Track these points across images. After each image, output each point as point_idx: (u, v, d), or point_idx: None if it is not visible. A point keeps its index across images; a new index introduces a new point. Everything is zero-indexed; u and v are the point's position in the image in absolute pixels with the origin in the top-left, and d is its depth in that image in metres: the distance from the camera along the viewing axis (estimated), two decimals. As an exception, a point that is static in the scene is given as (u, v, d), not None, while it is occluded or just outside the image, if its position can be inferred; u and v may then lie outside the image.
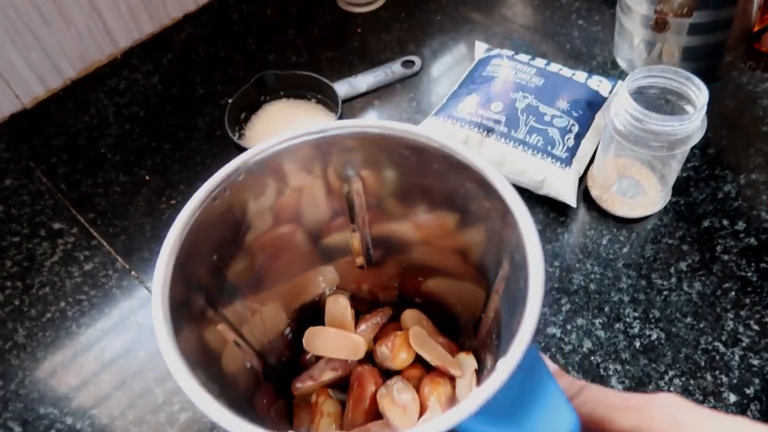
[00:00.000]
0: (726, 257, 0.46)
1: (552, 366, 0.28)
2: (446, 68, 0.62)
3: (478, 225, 0.30)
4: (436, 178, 0.30)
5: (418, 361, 0.35)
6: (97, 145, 0.58)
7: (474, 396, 0.21)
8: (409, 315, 0.37)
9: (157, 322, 0.24)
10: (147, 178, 0.56)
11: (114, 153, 0.58)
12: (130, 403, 0.43)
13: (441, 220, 0.33)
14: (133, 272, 0.50)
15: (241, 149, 0.53)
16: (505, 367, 0.21)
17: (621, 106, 0.43)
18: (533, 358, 0.23)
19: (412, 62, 0.60)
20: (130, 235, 0.52)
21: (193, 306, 0.28)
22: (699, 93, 0.42)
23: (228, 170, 0.28)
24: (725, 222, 0.48)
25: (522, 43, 0.63)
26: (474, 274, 0.33)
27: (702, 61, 0.53)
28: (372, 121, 0.29)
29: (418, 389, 0.34)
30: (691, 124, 0.41)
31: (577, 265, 0.46)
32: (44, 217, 0.54)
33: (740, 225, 0.47)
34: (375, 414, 0.34)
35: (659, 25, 0.50)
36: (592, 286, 0.45)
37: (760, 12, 0.54)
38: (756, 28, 0.56)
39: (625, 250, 0.47)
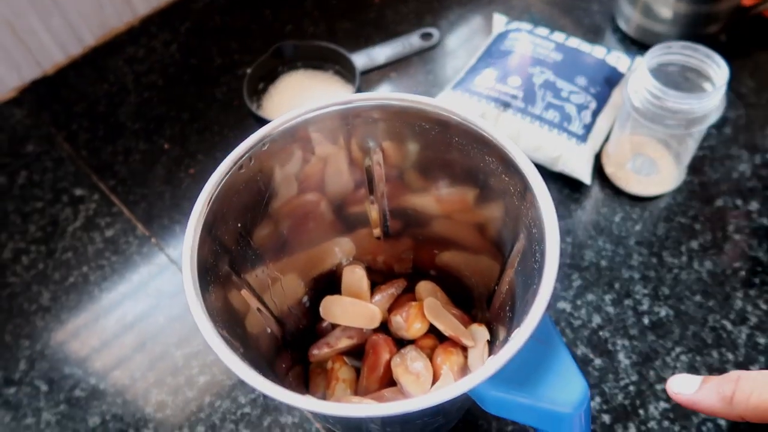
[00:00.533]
0: (738, 237, 0.46)
1: (695, 378, 0.26)
2: (464, 41, 0.62)
3: (497, 200, 0.31)
4: (456, 153, 0.30)
5: (432, 331, 0.36)
6: (116, 113, 0.59)
7: (489, 362, 0.22)
8: (424, 286, 0.38)
9: (186, 280, 0.25)
10: (166, 146, 0.56)
11: (133, 121, 0.58)
12: (151, 365, 0.45)
13: (460, 194, 0.33)
14: (153, 239, 0.51)
15: (259, 119, 0.54)
16: (520, 335, 0.22)
17: (639, 82, 0.43)
18: (547, 328, 0.24)
19: (431, 35, 0.60)
20: (150, 202, 0.53)
21: (220, 270, 0.29)
22: (719, 71, 0.42)
23: (254, 140, 0.29)
24: (738, 202, 0.48)
25: (541, 16, 0.63)
26: (490, 248, 0.34)
27: (691, 29, 0.55)
28: (396, 93, 0.29)
29: (431, 358, 0.35)
30: (710, 102, 0.41)
31: (589, 242, 0.47)
32: (66, 184, 0.55)
33: (753, 205, 0.48)
34: (389, 381, 0.35)
35: None
36: (604, 263, 0.46)
37: None
38: (750, 2, 0.56)
39: (637, 227, 0.47)
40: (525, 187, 0.27)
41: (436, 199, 0.34)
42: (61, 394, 0.44)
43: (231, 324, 0.29)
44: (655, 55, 0.43)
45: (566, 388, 0.23)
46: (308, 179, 0.33)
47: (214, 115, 0.58)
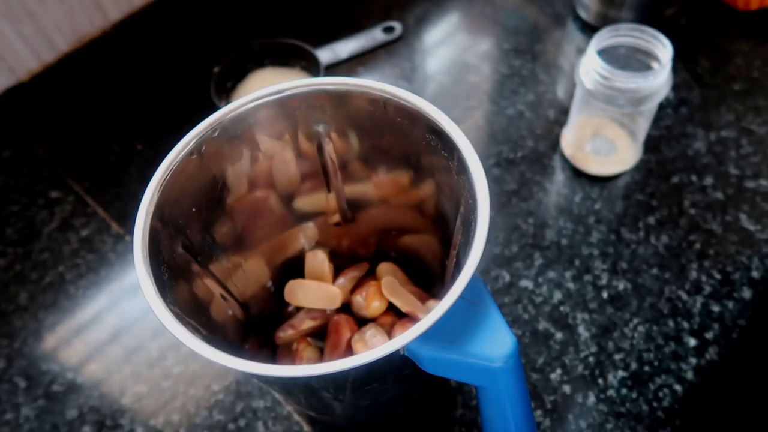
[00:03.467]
0: (693, 211, 0.48)
1: None
2: (429, 33, 0.63)
3: (435, 178, 0.32)
4: (397, 137, 0.31)
5: (392, 309, 0.38)
6: (90, 116, 0.60)
7: (420, 323, 0.23)
8: (384, 267, 0.40)
9: (137, 262, 0.26)
10: (139, 147, 0.58)
11: (107, 123, 0.60)
12: (127, 358, 0.46)
13: (404, 176, 0.35)
14: (127, 237, 0.52)
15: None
16: (450, 295, 0.23)
17: (590, 65, 0.44)
18: (479, 290, 0.25)
19: (393, 28, 0.61)
20: (124, 201, 0.54)
21: (177, 257, 0.30)
22: (664, 50, 0.43)
23: (203, 126, 0.30)
24: (694, 178, 0.49)
25: (504, 5, 0.64)
26: (439, 226, 0.35)
27: (647, 13, 0.56)
28: (329, 78, 0.31)
29: (390, 335, 0.36)
30: (656, 80, 0.43)
31: (551, 222, 0.48)
32: (42, 187, 0.56)
33: (708, 180, 0.49)
34: (350, 358, 0.36)
35: None
36: (564, 242, 0.47)
37: None
38: None
39: (597, 206, 0.49)
40: (458, 159, 0.28)
41: (384, 183, 0.36)
42: (39, 390, 0.45)
43: (194, 310, 0.30)
44: (604, 38, 0.45)
45: (495, 344, 0.24)
46: (258, 173, 0.34)
47: (186, 115, 0.59)
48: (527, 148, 0.53)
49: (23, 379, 0.45)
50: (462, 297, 0.23)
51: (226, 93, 0.57)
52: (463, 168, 0.28)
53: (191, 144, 0.30)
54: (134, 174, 0.56)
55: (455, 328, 0.24)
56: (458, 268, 0.32)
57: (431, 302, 0.37)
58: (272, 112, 0.32)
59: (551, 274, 0.46)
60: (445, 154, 0.30)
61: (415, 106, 0.29)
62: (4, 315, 0.49)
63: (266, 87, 0.29)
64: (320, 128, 0.33)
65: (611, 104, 0.45)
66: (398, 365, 0.26)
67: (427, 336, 0.23)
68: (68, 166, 0.57)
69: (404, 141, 0.32)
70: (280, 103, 0.31)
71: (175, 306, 0.26)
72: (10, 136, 0.60)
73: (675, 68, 0.56)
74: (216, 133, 0.31)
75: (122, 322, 0.47)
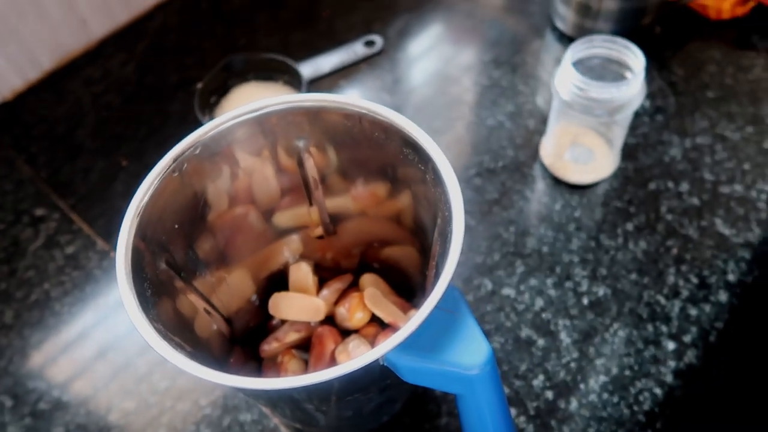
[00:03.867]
0: (670, 217, 0.49)
1: None
2: (411, 46, 0.64)
3: (408, 192, 0.33)
4: (374, 150, 0.32)
5: (375, 320, 0.38)
6: (75, 133, 0.61)
7: (397, 333, 0.23)
8: (367, 279, 0.40)
9: (120, 280, 0.26)
10: (124, 163, 0.58)
11: (92, 140, 0.60)
12: (113, 374, 0.46)
13: (382, 188, 0.35)
14: (112, 253, 0.52)
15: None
16: (426, 305, 0.24)
17: (565, 76, 0.45)
18: (455, 299, 0.26)
19: (373, 42, 0.62)
20: (109, 218, 0.54)
21: (160, 273, 0.31)
22: (636, 60, 0.44)
23: (185, 144, 0.31)
24: (670, 184, 0.50)
25: (484, 17, 0.65)
26: (415, 240, 0.36)
27: (622, 23, 0.58)
28: (306, 95, 0.31)
29: (373, 345, 0.37)
30: (630, 89, 0.44)
31: (532, 230, 0.49)
32: (27, 204, 0.56)
33: (684, 186, 0.50)
34: (335, 369, 0.37)
35: None
36: (545, 249, 0.48)
37: None
38: None
39: (576, 214, 0.50)
40: (434, 170, 0.28)
41: (362, 195, 0.36)
42: (25, 408, 0.45)
43: (179, 326, 0.30)
44: (578, 49, 0.46)
45: (471, 352, 0.24)
46: (238, 191, 0.35)
47: (171, 130, 0.60)
48: (508, 158, 0.54)
49: (9, 397, 0.45)
50: (438, 307, 0.24)
51: (210, 108, 0.58)
52: (438, 180, 0.29)
53: (173, 162, 0.30)
54: (119, 190, 0.56)
55: (432, 337, 0.25)
56: (437, 278, 0.33)
57: (413, 312, 0.37)
58: (251, 129, 0.33)
59: (533, 282, 0.46)
60: (421, 167, 0.30)
61: (390, 120, 0.30)
62: (-10, 334, 0.49)
63: (245, 104, 0.30)
64: (300, 143, 0.34)
65: (588, 114, 0.46)
66: (379, 375, 0.27)
67: (404, 346, 0.23)
68: (53, 183, 0.57)
69: (381, 154, 0.33)
70: (258, 120, 0.32)
71: (158, 323, 0.26)
72: (-6, 154, 0.60)
73: (650, 77, 0.57)
74: (197, 151, 0.31)
75: (108, 339, 0.47)
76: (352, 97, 0.31)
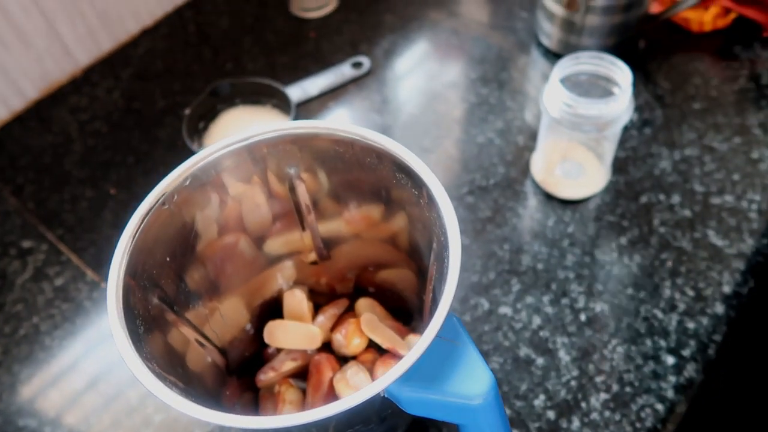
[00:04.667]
0: (663, 230, 0.49)
1: None
2: (398, 66, 0.64)
3: (403, 214, 0.32)
4: (366, 174, 0.32)
5: (372, 346, 0.38)
6: (62, 162, 0.60)
7: (398, 365, 0.23)
8: (363, 303, 0.40)
9: (112, 319, 0.26)
10: (112, 191, 0.57)
11: (79, 169, 0.59)
12: (106, 407, 0.45)
13: (376, 212, 0.35)
14: (102, 284, 0.51)
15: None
16: (426, 336, 0.23)
17: (553, 93, 0.45)
18: (454, 327, 0.26)
19: (361, 63, 0.62)
20: (99, 247, 0.54)
21: (152, 308, 0.30)
22: (623, 75, 0.45)
23: (174, 176, 0.30)
24: (662, 197, 0.51)
25: (469, 34, 0.66)
26: (413, 261, 0.35)
27: (606, 39, 0.59)
28: (294, 122, 0.31)
29: (372, 371, 0.36)
30: (617, 105, 0.44)
31: (526, 247, 0.49)
32: (14, 236, 0.55)
33: (675, 199, 0.50)
34: (333, 398, 0.36)
35: (570, 4, 0.56)
36: (540, 266, 0.48)
37: None
38: (657, 11, 0.60)
39: (570, 229, 0.50)
40: (428, 196, 0.28)
41: (356, 218, 0.36)
42: (16, 447, 0.44)
43: (170, 363, 0.30)
44: (565, 66, 0.46)
45: (473, 382, 0.24)
46: (229, 219, 0.34)
47: (159, 157, 0.59)
48: (499, 175, 0.54)
49: (-1, 436, 0.44)
50: (438, 336, 0.23)
51: (199, 134, 0.57)
52: (433, 205, 0.29)
53: (162, 195, 0.30)
54: (108, 219, 0.56)
55: (433, 367, 0.24)
56: (435, 303, 0.33)
57: (411, 337, 0.37)
58: (241, 158, 0.32)
59: (529, 300, 0.46)
60: (415, 192, 0.30)
61: (382, 146, 0.30)
62: (-22, 371, 0.47)
63: (235, 132, 0.30)
64: (291, 170, 0.34)
65: (577, 130, 0.46)
66: (379, 407, 0.26)
67: (405, 377, 0.23)
68: (40, 213, 0.56)
69: (374, 177, 0.32)
70: (248, 148, 0.32)
71: (152, 361, 0.26)
72: (-21, 186, 0.59)
73: (637, 90, 0.58)
74: (187, 182, 0.31)
75: (100, 371, 0.46)
76: (344, 123, 0.30)
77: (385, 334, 0.36)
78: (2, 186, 0.59)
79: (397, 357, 0.36)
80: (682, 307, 0.45)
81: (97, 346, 0.48)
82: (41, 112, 0.64)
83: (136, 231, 0.28)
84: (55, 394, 0.46)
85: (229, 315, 0.38)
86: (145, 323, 0.29)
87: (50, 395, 0.46)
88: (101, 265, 0.53)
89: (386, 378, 0.23)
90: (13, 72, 0.63)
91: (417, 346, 0.23)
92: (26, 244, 0.54)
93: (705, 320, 0.44)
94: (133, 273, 0.28)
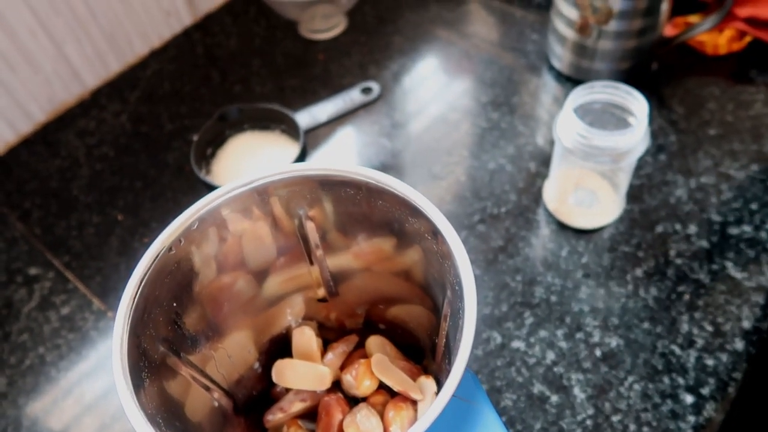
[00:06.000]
0: (679, 261, 0.48)
1: None
2: (407, 89, 0.64)
3: (417, 248, 0.32)
4: (377, 209, 0.31)
5: (383, 387, 0.37)
6: (69, 187, 0.60)
7: (414, 428, 0.22)
8: (373, 341, 0.39)
9: (117, 379, 0.25)
10: (119, 217, 0.57)
11: (86, 194, 0.59)
12: (112, 442, 0.44)
13: (385, 247, 0.34)
14: (109, 313, 0.51)
15: (208, 186, 0.55)
16: (441, 397, 0.22)
17: (567, 123, 0.45)
18: (470, 386, 0.25)
19: (371, 89, 0.62)
20: (105, 275, 0.53)
21: (156, 356, 0.29)
22: (639, 106, 0.44)
23: (181, 220, 0.30)
24: (678, 226, 0.49)
25: (480, 57, 0.65)
26: (425, 298, 0.35)
27: (618, 63, 0.58)
28: (308, 164, 0.31)
29: (383, 414, 0.35)
30: (633, 136, 0.43)
31: (539, 278, 0.48)
32: (20, 263, 0.55)
33: (692, 229, 0.49)
34: (343, 442, 0.35)
35: (582, 29, 0.56)
36: (554, 298, 0.47)
37: (670, 21, 0.61)
38: (671, 34, 0.59)
39: (583, 260, 0.49)
40: (443, 243, 0.27)
41: (366, 251, 0.35)
42: (20, 483, 0.43)
43: (170, 414, 0.29)
44: (579, 95, 0.45)
45: (491, 446, 0.23)
46: (233, 258, 0.33)
47: (167, 182, 0.59)
48: (511, 203, 0.53)
49: (3, 472, 0.44)
50: (455, 395, 0.23)
51: (206, 160, 0.57)
52: (447, 252, 0.28)
53: (170, 240, 0.29)
54: (114, 246, 0.55)
55: (448, 426, 0.24)
56: (448, 345, 0.32)
57: (423, 378, 0.36)
58: (249, 199, 0.32)
59: (543, 333, 0.45)
60: (429, 237, 0.29)
61: (397, 191, 0.29)
62: (-18, 403, 0.47)
63: (242, 160, 0.29)
64: (300, 211, 0.33)
65: (590, 161, 0.45)
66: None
67: (419, 441, 0.22)
68: (47, 240, 0.56)
69: (386, 213, 0.32)
70: (257, 190, 0.31)
71: (158, 417, 0.25)
72: (-14, 212, 0.59)
73: (651, 115, 0.57)
74: (195, 226, 0.30)
75: (106, 403, 0.46)
76: (355, 166, 0.30)
77: (396, 377, 0.35)
78: (9, 212, 0.58)
79: (408, 400, 0.35)
80: (700, 342, 0.43)
81: (104, 380, 0.47)
82: (48, 136, 0.64)
83: (142, 280, 0.28)
84: (60, 426, 0.45)
85: (236, 354, 0.37)
86: (151, 375, 0.28)
87: (56, 429, 0.45)
88: (107, 293, 0.52)
89: (401, 443, 0.22)
90: (20, 95, 0.62)
91: (433, 406, 0.23)
92: (33, 271, 0.54)
93: (724, 357, 0.43)
94: (138, 324, 0.27)
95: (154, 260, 0.28)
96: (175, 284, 0.30)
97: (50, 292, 0.53)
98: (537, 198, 0.53)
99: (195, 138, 0.56)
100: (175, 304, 0.30)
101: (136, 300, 0.27)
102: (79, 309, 0.51)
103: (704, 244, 0.48)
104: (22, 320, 0.51)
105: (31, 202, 0.59)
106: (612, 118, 0.47)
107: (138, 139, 0.63)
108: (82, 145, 0.63)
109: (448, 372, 0.30)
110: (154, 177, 0.59)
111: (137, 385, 0.25)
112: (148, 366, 0.27)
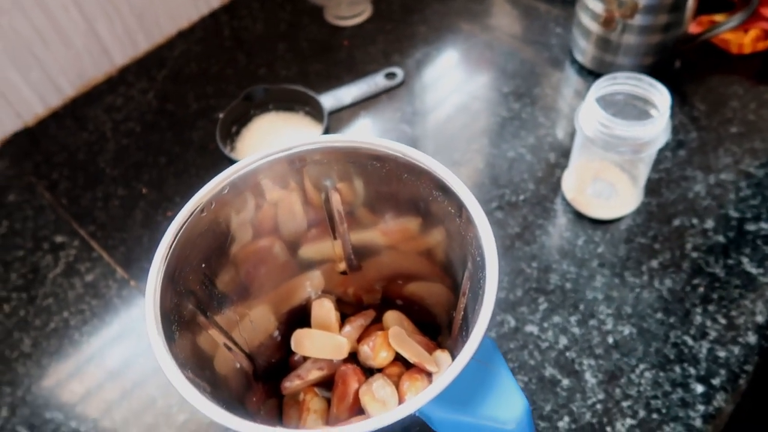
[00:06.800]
0: (695, 254, 0.48)
1: None
2: (430, 78, 0.64)
3: (442, 229, 0.32)
4: (404, 187, 0.32)
5: (399, 359, 0.38)
6: (96, 161, 0.61)
7: (432, 386, 0.23)
8: (390, 316, 0.40)
9: (149, 327, 0.26)
10: (144, 191, 0.58)
11: (112, 168, 0.60)
12: (129, 404, 0.45)
13: (410, 225, 0.35)
14: (132, 282, 0.52)
15: (233, 162, 0.56)
16: (461, 358, 0.23)
17: (589, 113, 0.45)
18: (489, 350, 0.25)
19: (395, 74, 0.62)
20: (129, 246, 0.54)
21: (185, 312, 0.30)
22: (662, 97, 0.44)
23: (213, 184, 0.31)
24: (695, 221, 0.50)
25: (503, 49, 0.66)
26: (445, 277, 0.35)
27: (642, 58, 0.58)
28: (335, 136, 0.31)
29: (398, 385, 0.36)
30: (654, 128, 0.43)
31: (554, 266, 0.49)
32: (47, 231, 0.56)
33: (709, 223, 0.50)
34: (358, 410, 0.36)
35: (607, 22, 0.56)
36: (568, 285, 0.47)
37: (696, 20, 0.61)
38: (696, 31, 0.59)
39: (599, 250, 0.49)
40: (463, 212, 0.28)
41: (392, 230, 0.36)
42: (41, 440, 0.44)
43: (199, 366, 0.30)
44: (602, 86, 0.46)
45: (507, 406, 0.24)
46: (264, 223, 0.34)
47: (191, 159, 0.60)
48: (529, 192, 0.53)
49: (26, 428, 0.45)
50: (474, 358, 0.23)
51: (231, 138, 0.58)
52: (470, 225, 0.29)
53: (201, 203, 0.30)
54: (138, 218, 0.56)
55: (466, 389, 0.24)
56: (465, 320, 0.33)
57: (438, 353, 0.37)
58: (280, 168, 0.33)
59: (556, 319, 0.46)
60: (452, 210, 0.30)
61: (422, 164, 0.30)
62: (8, 362, 0.48)
63: (266, 138, 0.30)
64: (327, 182, 0.34)
65: (611, 151, 0.45)
66: (408, 424, 0.26)
67: (438, 398, 0.23)
68: (73, 210, 0.57)
69: (411, 191, 0.32)
70: (288, 159, 0.32)
71: (186, 368, 0.26)
72: (15, 180, 0.60)
73: (672, 111, 0.57)
74: (225, 191, 0.31)
75: (125, 368, 0.47)
76: (384, 140, 0.31)
77: (412, 349, 0.36)
78: (37, 181, 0.60)
79: (423, 372, 0.36)
80: (713, 334, 0.44)
81: (125, 345, 0.48)
82: (77, 110, 0.66)
83: (175, 238, 0.29)
84: (81, 388, 0.46)
85: (257, 321, 0.38)
86: (179, 328, 0.29)
87: (76, 390, 0.46)
88: (130, 263, 0.53)
89: (422, 397, 0.23)
90: (51, 69, 0.64)
91: (453, 367, 0.23)
92: (59, 239, 0.55)
93: (736, 349, 0.43)
94: (170, 279, 0.28)
95: (187, 220, 0.29)
96: (206, 245, 0.31)
97: (75, 260, 0.54)
98: (555, 188, 0.53)
99: (221, 115, 0.57)
100: (204, 265, 0.32)
101: (168, 256, 0.28)
102: (103, 277, 0.53)
103: (721, 239, 0.49)
104: (47, 285, 0.52)
105: (59, 173, 0.60)
106: (634, 110, 0.47)
107: (164, 116, 0.64)
108: (109, 120, 0.64)
109: (465, 344, 0.31)
110: (178, 153, 0.61)
111: (168, 335, 0.26)
112: (178, 320, 0.28)
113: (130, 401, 0.45)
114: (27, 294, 0.52)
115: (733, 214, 0.50)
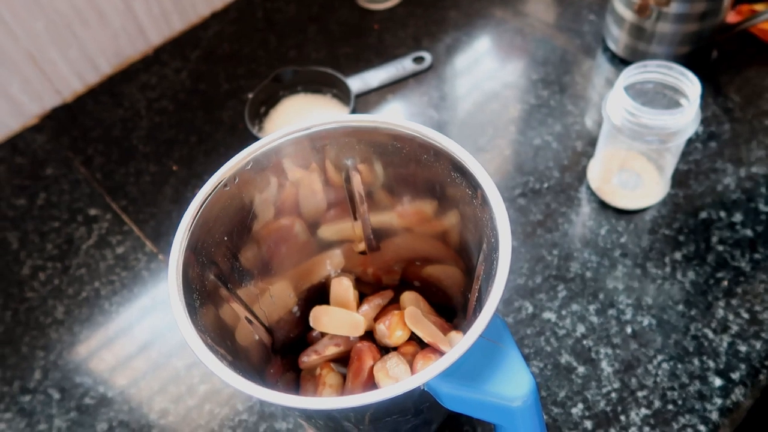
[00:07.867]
0: (721, 248, 0.47)
1: None
2: (459, 63, 0.64)
3: (456, 212, 0.33)
4: (422, 169, 0.32)
5: (414, 338, 0.38)
6: (129, 137, 0.63)
7: (439, 361, 0.23)
8: (407, 296, 0.40)
9: (171, 292, 0.27)
10: (174, 168, 0.60)
11: (145, 144, 0.62)
12: (154, 374, 0.47)
13: (431, 207, 0.35)
14: (160, 255, 0.54)
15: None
16: (470, 335, 0.24)
17: (617, 101, 0.45)
18: (498, 329, 0.26)
19: (423, 58, 0.62)
20: (159, 221, 0.56)
21: (207, 283, 0.32)
22: (692, 87, 0.43)
23: (237, 160, 0.32)
24: (722, 214, 0.49)
25: (534, 35, 0.65)
26: (460, 260, 0.36)
27: (677, 47, 0.57)
28: (354, 115, 0.32)
29: (412, 364, 0.37)
30: (684, 117, 0.43)
31: (575, 254, 0.48)
32: (81, 204, 0.58)
33: (737, 217, 0.49)
34: (372, 386, 0.37)
35: (641, 10, 0.55)
36: (589, 274, 0.47)
37: (735, 9, 0.60)
38: (734, 20, 0.58)
39: (622, 240, 0.49)
40: (482, 197, 0.28)
41: (408, 212, 0.37)
42: (72, 402, 0.46)
43: (220, 336, 0.31)
44: (631, 74, 0.45)
45: (514, 384, 0.24)
46: (286, 200, 0.35)
47: (221, 138, 0.61)
48: (553, 179, 0.53)
49: (57, 390, 0.47)
50: (482, 336, 0.24)
51: (260, 118, 0.59)
52: (486, 206, 0.29)
53: (225, 177, 0.31)
54: (168, 194, 0.58)
55: (475, 366, 0.25)
56: (480, 302, 0.33)
57: (453, 334, 0.37)
58: (302, 146, 0.33)
59: (575, 307, 0.46)
60: (469, 192, 0.31)
61: (440, 144, 0.30)
62: (42, 327, 0.51)
63: (294, 119, 0.31)
64: (348, 161, 0.35)
65: (638, 140, 0.45)
66: (418, 399, 0.27)
67: (447, 373, 0.23)
68: (107, 184, 0.59)
69: (429, 173, 0.33)
70: (309, 137, 0.33)
71: (206, 335, 0.27)
72: (53, 154, 0.62)
73: (705, 102, 0.56)
74: (249, 166, 0.32)
75: (153, 340, 0.49)
76: (403, 120, 0.31)
77: (427, 329, 0.37)
78: (74, 156, 0.62)
79: (437, 352, 0.37)
80: (734, 328, 0.43)
81: (152, 316, 0.50)
82: (113, 88, 0.68)
83: (199, 209, 0.30)
84: (110, 356, 0.48)
85: (277, 296, 0.39)
86: (201, 297, 0.30)
87: (106, 357, 0.48)
88: (160, 237, 0.55)
89: (428, 371, 0.23)
90: (89, 47, 0.66)
91: (461, 343, 0.24)
92: (92, 212, 0.57)
93: (758, 344, 0.42)
94: (193, 249, 0.29)
95: (211, 193, 0.30)
96: (229, 220, 0.32)
97: (107, 232, 0.56)
98: (580, 177, 0.53)
99: (250, 96, 0.58)
100: (226, 239, 0.33)
101: (192, 227, 0.29)
102: (133, 250, 0.54)
103: (748, 233, 0.48)
104: (80, 256, 0.55)
105: (94, 148, 0.62)
106: (664, 99, 0.46)
107: (196, 95, 0.65)
108: (143, 98, 0.66)
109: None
110: (208, 132, 0.62)
111: (189, 303, 0.27)
112: (200, 290, 0.29)
113: (154, 369, 0.47)
114: (61, 264, 0.54)
115: (764, 208, 0.49)
